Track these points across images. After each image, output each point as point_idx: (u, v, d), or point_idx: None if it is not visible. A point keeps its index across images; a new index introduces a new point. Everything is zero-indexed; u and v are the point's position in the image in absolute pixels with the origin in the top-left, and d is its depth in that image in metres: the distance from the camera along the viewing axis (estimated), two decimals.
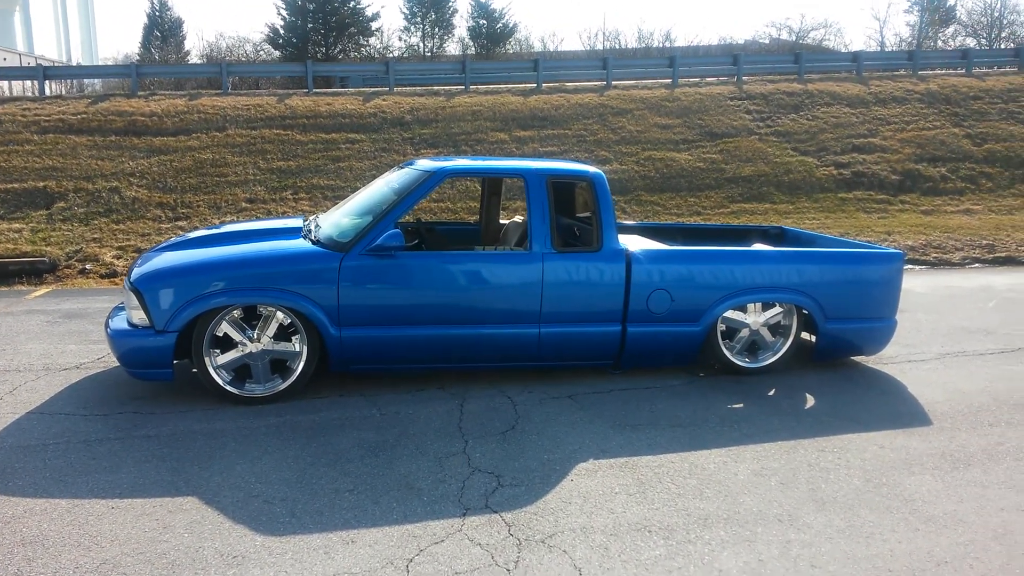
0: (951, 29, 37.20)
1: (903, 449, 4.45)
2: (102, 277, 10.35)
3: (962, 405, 5.18)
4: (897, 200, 15.85)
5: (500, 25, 33.47)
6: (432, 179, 5.18)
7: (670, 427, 4.75)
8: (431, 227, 6.38)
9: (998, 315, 7.77)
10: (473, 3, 33.61)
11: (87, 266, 10.90)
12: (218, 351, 4.89)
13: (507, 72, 20.66)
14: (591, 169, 5.51)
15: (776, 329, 5.77)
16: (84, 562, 3.20)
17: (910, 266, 11.63)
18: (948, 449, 4.46)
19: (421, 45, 34.03)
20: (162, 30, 36.14)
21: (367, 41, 32.42)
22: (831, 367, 5.98)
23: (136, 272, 4.94)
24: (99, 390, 5.24)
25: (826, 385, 5.58)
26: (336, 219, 5.42)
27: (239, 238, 5.34)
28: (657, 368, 5.80)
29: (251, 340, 4.88)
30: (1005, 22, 35.21)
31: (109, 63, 36.29)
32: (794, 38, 32.82)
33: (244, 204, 13.74)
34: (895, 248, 12.94)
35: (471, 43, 33.47)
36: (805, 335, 5.98)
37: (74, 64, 34.25)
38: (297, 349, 4.97)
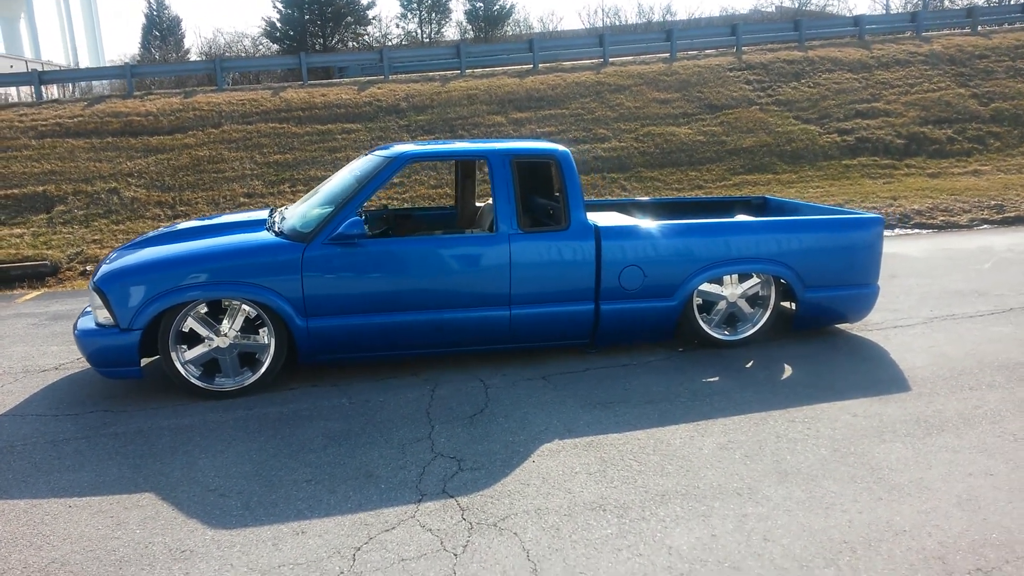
0: None
1: (877, 417, 4.36)
2: None
3: (944, 369, 5.06)
4: (903, 164, 15.59)
5: (497, 7, 33.18)
6: (393, 165, 5.12)
7: (641, 404, 4.68)
8: (407, 213, 6.33)
9: (993, 276, 7.61)
10: None
11: (88, 267, 10.97)
12: (185, 347, 4.88)
13: (503, 54, 20.47)
14: (556, 147, 5.42)
15: (754, 300, 5.67)
16: (33, 561, 3.20)
17: (916, 230, 11.43)
18: (923, 415, 4.36)
19: (419, 32, 33.88)
20: (160, 29, 36.24)
21: (364, 30, 32.31)
22: (813, 336, 5.88)
23: (99, 272, 4.94)
24: (74, 390, 5.25)
25: (806, 355, 5.48)
26: (301, 210, 5.38)
27: (204, 233, 5.32)
28: (635, 345, 5.73)
29: (217, 335, 4.87)
30: None
31: (117, 64, 36.44)
32: (797, 5, 32.23)
33: (242, 199, 13.76)
34: (899, 212, 12.80)
35: (468, 27, 33.26)
36: (786, 304, 5.88)
37: (75, 67, 34.40)
38: (265, 342, 4.95)
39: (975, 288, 7.14)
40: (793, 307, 5.73)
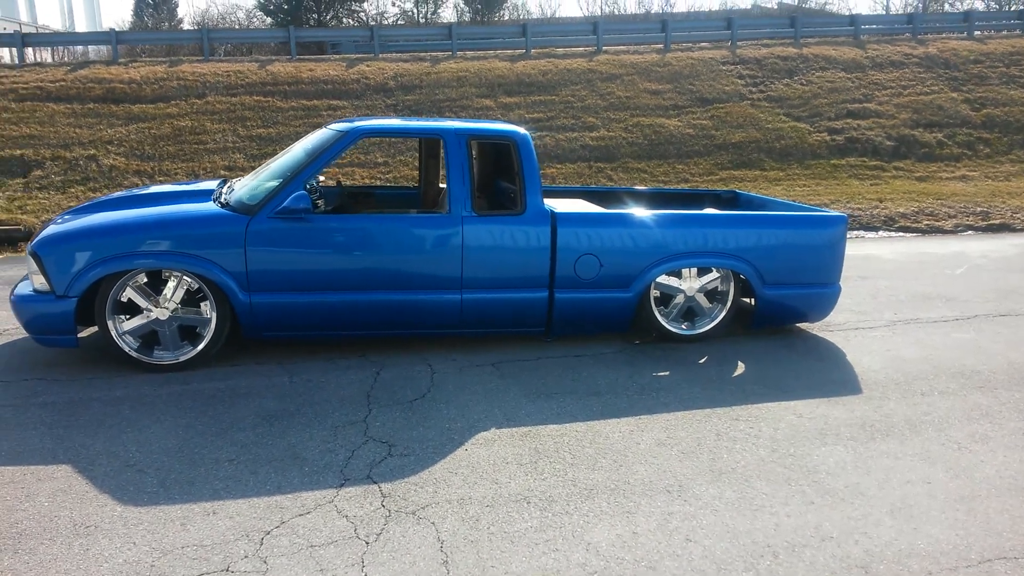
0: None
1: (822, 418, 4.27)
2: None
3: (898, 374, 4.98)
4: (891, 167, 15.50)
5: None
6: (345, 139, 4.99)
7: (587, 395, 4.58)
8: (368, 191, 6.19)
9: (963, 282, 7.52)
10: None
11: None
12: (124, 317, 4.75)
13: (496, 38, 20.27)
14: (515, 128, 5.29)
15: (713, 295, 5.57)
16: None
17: (901, 233, 11.35)
18: (870, 419, 4.27)
19: (415, 12, 33.55)
20: None
21: (360, 7, 32.01)
22: (772, 334, 5.79)
23: (37, 236, 4.80)
24: (12, 357, 5.13)
25: (760, 353, 5.39)
26: (250, 182, 5.25)
27: (148, 200, 5.18)
28: (592, 336, 5.62)
29: (156, 306, 4.74)
30: None
31: (103, 30, 36.09)
32: (797, 2, 32.00)
33: (223, 171, 13.57)
34: (884, 215, 12.70)
35: (465, 9, 32.95)
36: (747, 301, 5.78)
37: (62, 31, 33.97)
38: (207, 316, 4.83)
39: (943, 293, 7.05)
40: (753, 303, 5.63)
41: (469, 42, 19.82)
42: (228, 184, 5.63)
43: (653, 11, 30.70)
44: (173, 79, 16.26)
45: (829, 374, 4.99)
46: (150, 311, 4.75)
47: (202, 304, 4.83)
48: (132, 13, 36.52)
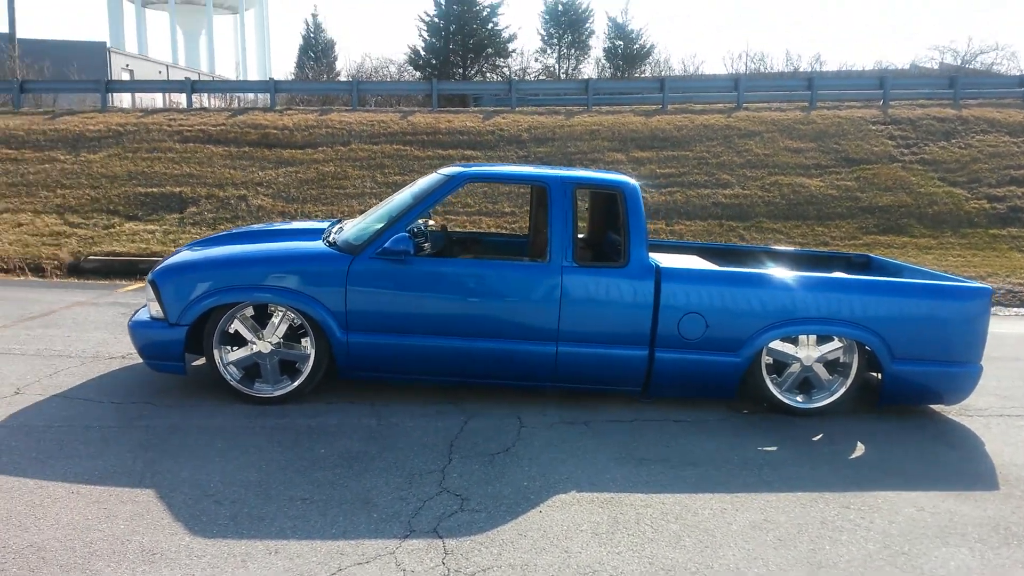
0: None
1: (947, 514, 3.77)
2: None
3: None
4: None
5: (637, 46, 32.91)
6: (451, 183, 5.00)
7: (681, 465, 4.27)
8: (475, 237, 6.18)
9: None
10: (610, 24, 33.31)
11: None
12: (230, 348, 4.90)
13: (633, 92, 20.24)
14: (624, 178, 5.13)
15: (834, 367, 5.12)
16: (13, 543, 3.21)
17: None
18: (1005, 520, 3.73)
19: (556, 66, 34.11)
20: (315, 51, 38.44)
21: (504, 62, 32.93)
22: (900, 415, 5.24)
23: (158, 266, 5.06)
24: (127, 380, 5.39)
25: (884, 434, 4.88)
26: (359, 223, 5.34)
27: (261, 237, 5.37)
28: (694, 400, 5.29)
29: (260, 339, 4.86)
30: None
31: (263, 80, 39.05)
32: (959, 62, 30.15)
33: (358, 216, 14.12)
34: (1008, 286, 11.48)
35: (607, 64, 33.16)
36: (875, 375, 5.28)
37: (228, 79, 36.96)
38: (306, 352, 4.90)
39: None
40: (880, 378, 5.13)
41: (606, 97, 19.90)
42: (339, 224, 5.77)
43: (802, 69, 29.79)
44: (322, 127, 17.19)
45: (961, 464, 4.43)
46: (254, 344, 4.87)
47: (303, 340, 4.91)
48: (295, 64, 39.31)
